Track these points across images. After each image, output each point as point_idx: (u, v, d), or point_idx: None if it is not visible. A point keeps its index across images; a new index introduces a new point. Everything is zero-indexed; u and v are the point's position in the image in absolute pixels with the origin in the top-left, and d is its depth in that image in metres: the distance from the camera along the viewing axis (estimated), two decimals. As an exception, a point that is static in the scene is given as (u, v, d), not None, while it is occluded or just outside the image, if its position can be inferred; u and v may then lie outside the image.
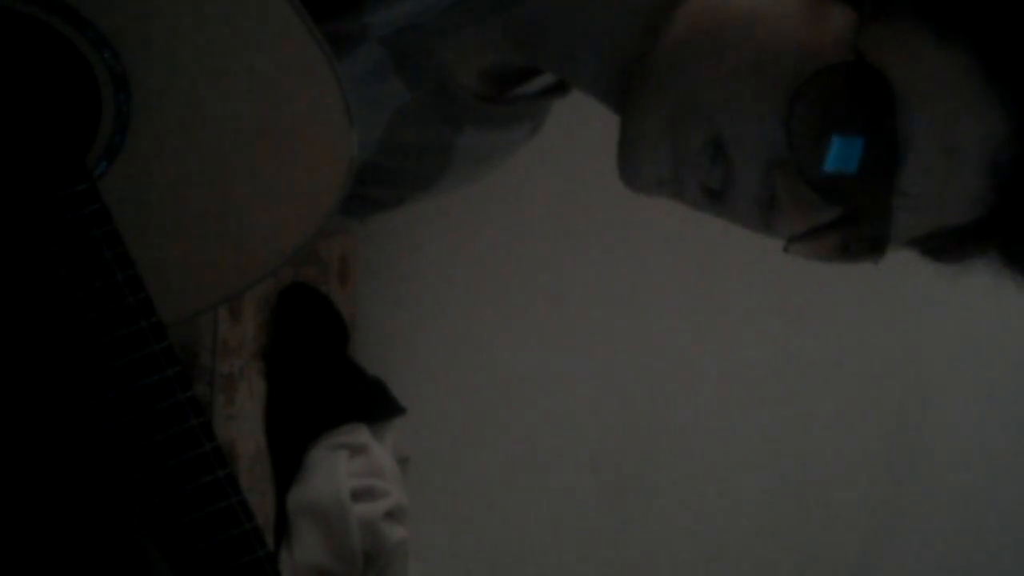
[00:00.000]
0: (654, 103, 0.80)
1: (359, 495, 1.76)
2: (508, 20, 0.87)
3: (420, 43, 0.87)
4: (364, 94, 0.87)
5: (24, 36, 0.69)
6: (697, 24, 0.79)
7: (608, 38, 0.84)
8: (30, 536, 0.59)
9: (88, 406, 0.58)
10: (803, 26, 0.75)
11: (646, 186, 0.82)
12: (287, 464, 1.77)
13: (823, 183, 0.74)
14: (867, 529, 2.07)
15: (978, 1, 0.72)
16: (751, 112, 0.76)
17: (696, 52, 0.78)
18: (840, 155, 0.73)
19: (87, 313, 0.61)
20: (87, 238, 0.63)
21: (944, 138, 0.73)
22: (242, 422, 1.64)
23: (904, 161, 0.73)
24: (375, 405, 1.87)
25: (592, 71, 0.86)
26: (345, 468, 1.76)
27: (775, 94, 0.75)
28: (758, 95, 0.75)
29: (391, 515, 1.79)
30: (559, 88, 0.94)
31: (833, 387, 2.06)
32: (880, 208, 0.74)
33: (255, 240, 0.71)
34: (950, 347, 2.06)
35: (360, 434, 1.81)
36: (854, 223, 0.77)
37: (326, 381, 1.83)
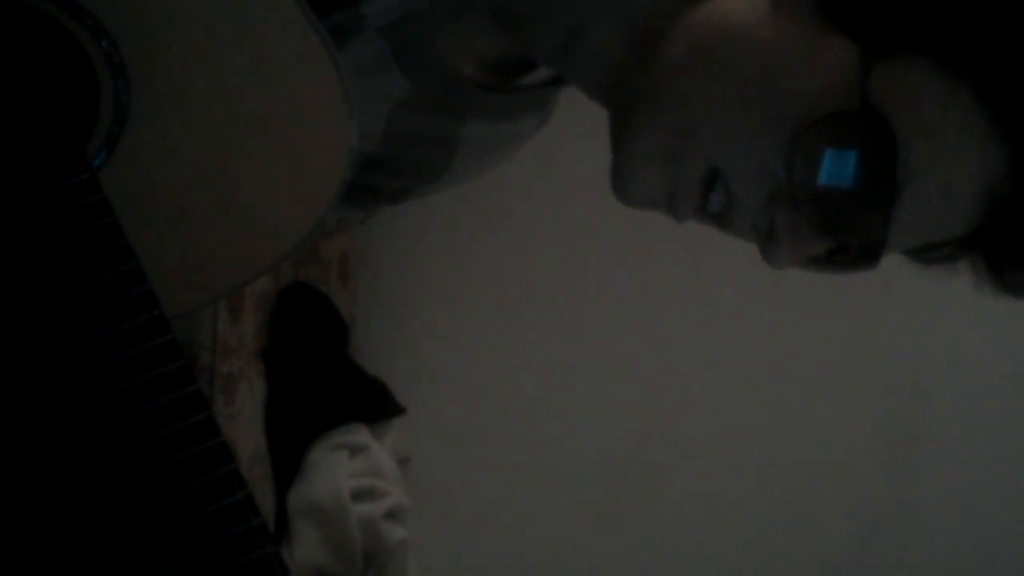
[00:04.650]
0: (650, 127, 0.79)
1: (359, 495, 1.75)
2: (497, 11, 0.86)
3: (418, 33, 0.86)
4: (365, 85, 0.87)
5: (22, 25, 0.69)
6: (696, 45, 0.77)
7: (601, 42, 0.83)
8: (31, 533, 0.58)
9: (90, 401, 0.57)
10: (806, 60, 0.74)
11: (638, 203, 0.82)
12: (287, 464, 1.76)
13: (821, 219, 0.75)
14: (867, 529, 2.07)
15: (982, 39, 0.72)
16: (752, 145, 0.75)
17: (694, 76, 0.77)
18: (833, 169, 0.73)
19: (88, 306, 0.60)
20: (88, 230, 0.62)
21: (942, 175, 0.73)
22: (242, 422, 1.64)
23: (902, 197, 0.73)
24: (375, 405, 1.87)
25: (583, 71, 0.85)
26: (345, 468, 1.76)
27: (778, 129, 0.74)
28: (760, 129, 0.75)
29: (391, 515, 1.79)
30: (563, 78, 0.93)
31: (833, 388, 2.06)
32: (875, 240, 0.75)
33: (256, 232, 0.70)
34: (949, 347, 2.05)
35: (360, 434, 1.81)
36: (849, 249, 0.77)
37: (326, 381, 1.82)
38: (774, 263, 0.78)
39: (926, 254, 0.80)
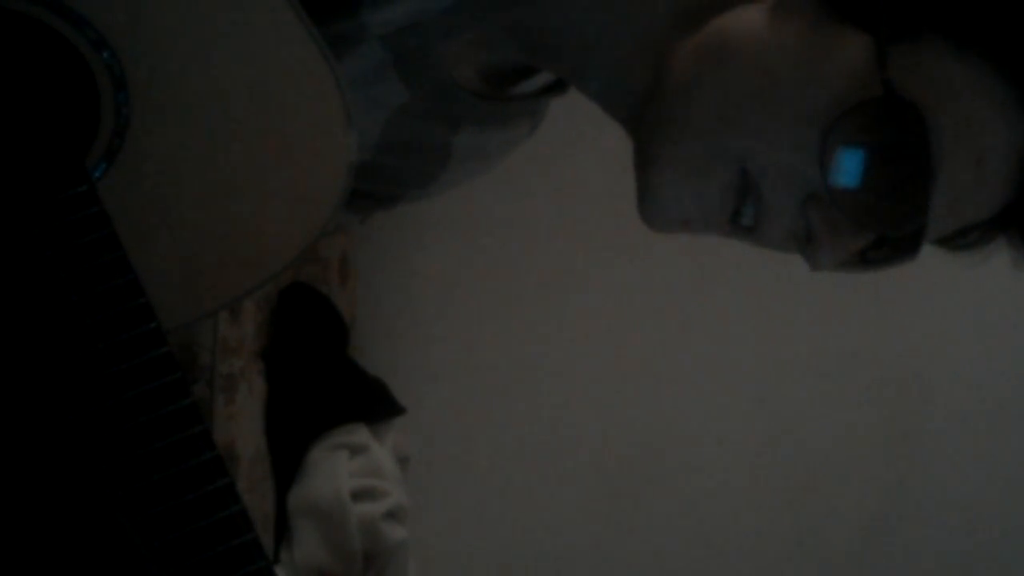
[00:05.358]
0: (676, 140, 0.79)
1: (359, 495, 1.75)
2: (510, 22, 0.86)
3: (420, 42, 0.86)
4: (364, 94, 0.87)
5: (23, 36, 0.69)
6: (708, 57, 0.77)
7: (619, 60, 0.83)
8: (26, 545, 0.58)
9: (86, 413, 0.57)
10: (819, 57, 0.74)
11: (667, 221, 0.82)
12: (287, 464, 1.76)
13: (860, 213, 0.74)
14: (867, 527, 2.07)
15: (990, 11, 0.72)
16: (782, 149, 0.75)
17: (711, 87, 0.77)
18: (866, 160, 0.73)
19: (85, 318, 0.60)
20: (85, 241, 0.62)
21: (973, 150, 0.73)
22: (242, 422, 1.64)
23: (937, 179, 0.73)
24: (375, 405, 1.87)
25: (599, 86, 0.86)
26: (345, 468, 1.76)
27: (805, 129, 0.74)
28: (785, 131, 0.75)
29: (391, 515, 1.79)
30: (557, 86, 0.93)
31: (833, 388, 2.06)
32: (915, 227, 0.75)
33: (255, 244, 0.70)
34: (950, 348, 2.05)
35: (360, 434, 1.81)
36: (889, 242, 0.77)
37: (326, 381, 1.82)
38: (818, 265, 0.78)
39: (960, 239, 0.79)
